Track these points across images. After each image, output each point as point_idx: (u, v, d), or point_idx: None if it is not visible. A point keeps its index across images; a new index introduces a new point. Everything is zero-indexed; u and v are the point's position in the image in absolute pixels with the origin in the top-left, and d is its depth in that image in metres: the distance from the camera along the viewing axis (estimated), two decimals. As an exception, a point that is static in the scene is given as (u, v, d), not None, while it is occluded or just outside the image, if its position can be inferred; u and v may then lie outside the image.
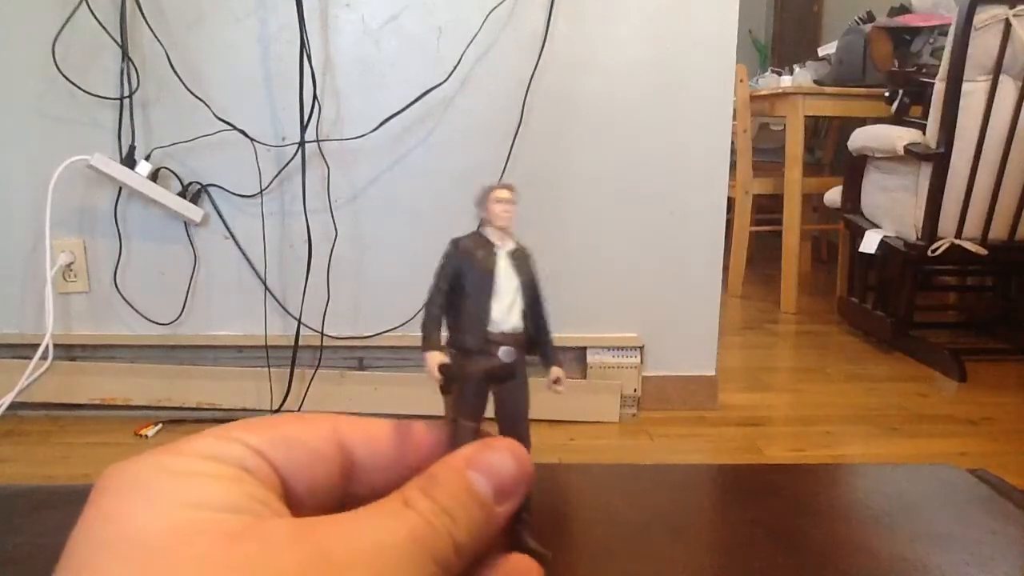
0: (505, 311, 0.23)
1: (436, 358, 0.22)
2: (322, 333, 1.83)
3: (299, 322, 1.81)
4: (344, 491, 0.21)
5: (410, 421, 0.23)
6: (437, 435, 0.22)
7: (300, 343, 1.82)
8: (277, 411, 1.82)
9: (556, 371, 0.25)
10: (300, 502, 0.20)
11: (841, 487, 0.46)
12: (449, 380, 0.22)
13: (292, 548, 0.16)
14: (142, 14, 1.70)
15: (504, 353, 0.23)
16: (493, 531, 0.20)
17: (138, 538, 0.16)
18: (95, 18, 1.68)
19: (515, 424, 0.23)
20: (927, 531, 0.38)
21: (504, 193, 0.23)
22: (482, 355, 0.23)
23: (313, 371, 1.84)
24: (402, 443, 0.22)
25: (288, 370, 1.82)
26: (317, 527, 0.17)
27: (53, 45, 1.68)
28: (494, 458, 0.20)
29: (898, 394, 2.12)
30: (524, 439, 0.23)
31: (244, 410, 1.85)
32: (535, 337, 0.24)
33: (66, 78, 1.70)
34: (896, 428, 1.90)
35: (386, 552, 0.17)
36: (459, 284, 0.23)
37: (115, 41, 1.70)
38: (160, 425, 1.82)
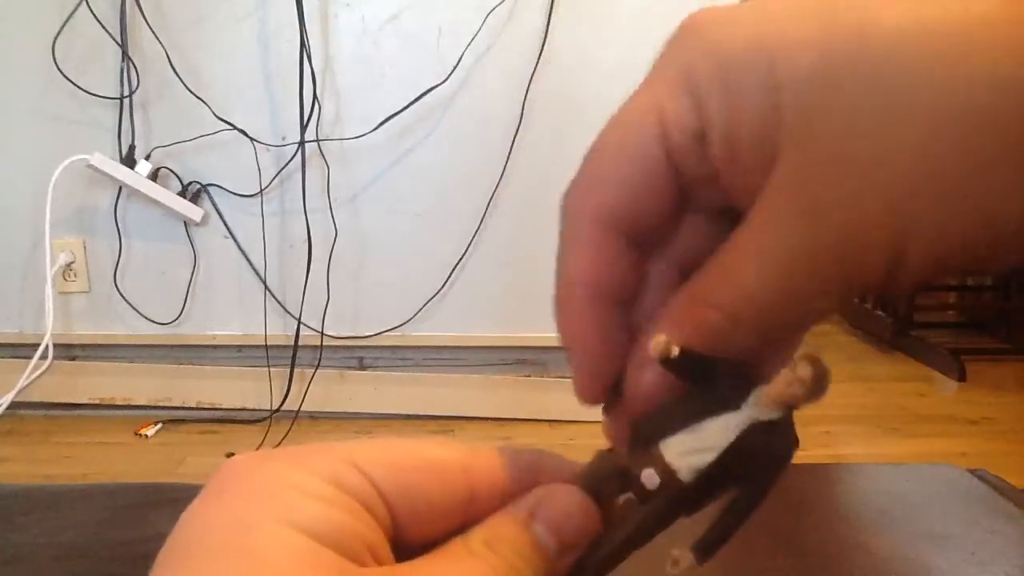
0: (682, 446, 0.20)
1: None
2: (322, 333, 1.83)
3: (299, 322, 1.81)
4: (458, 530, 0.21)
5: (539, 455, 0.22)
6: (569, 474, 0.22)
7: (300, 343, 1.81)
8: (277, 411, 1.82)
9: (678, 553, 0.20)
10: (407, 543, 0.20)
11: (841, 487, 0.46)
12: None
13: None
14: (142, 14, 1.70)
15: (646, 475, 0.21)
16: None
17: (257, 556, 0.16)
18: (95, 18, 1.68)
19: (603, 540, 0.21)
20: (927, 531, 0.38)
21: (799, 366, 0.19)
22: (634, 461, 0.21)
23: (313, 371, 1.84)
24: (529, 480, 0.21)
25: (288, 370, 1.82)
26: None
27: (53, 45, 1.68)
28: (559, 511, 0.20)
29: (898, 394, 2.12)
30: (608, 554, 0.21)
31: (244, 410, 1.85)
32: (694, 505, 0.21)
33: (66, 78, 1.70)
34: (896, 428, 1.89)
35: None
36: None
37: (115, 41, 1.70)
38: (160, 425, 1.82)
